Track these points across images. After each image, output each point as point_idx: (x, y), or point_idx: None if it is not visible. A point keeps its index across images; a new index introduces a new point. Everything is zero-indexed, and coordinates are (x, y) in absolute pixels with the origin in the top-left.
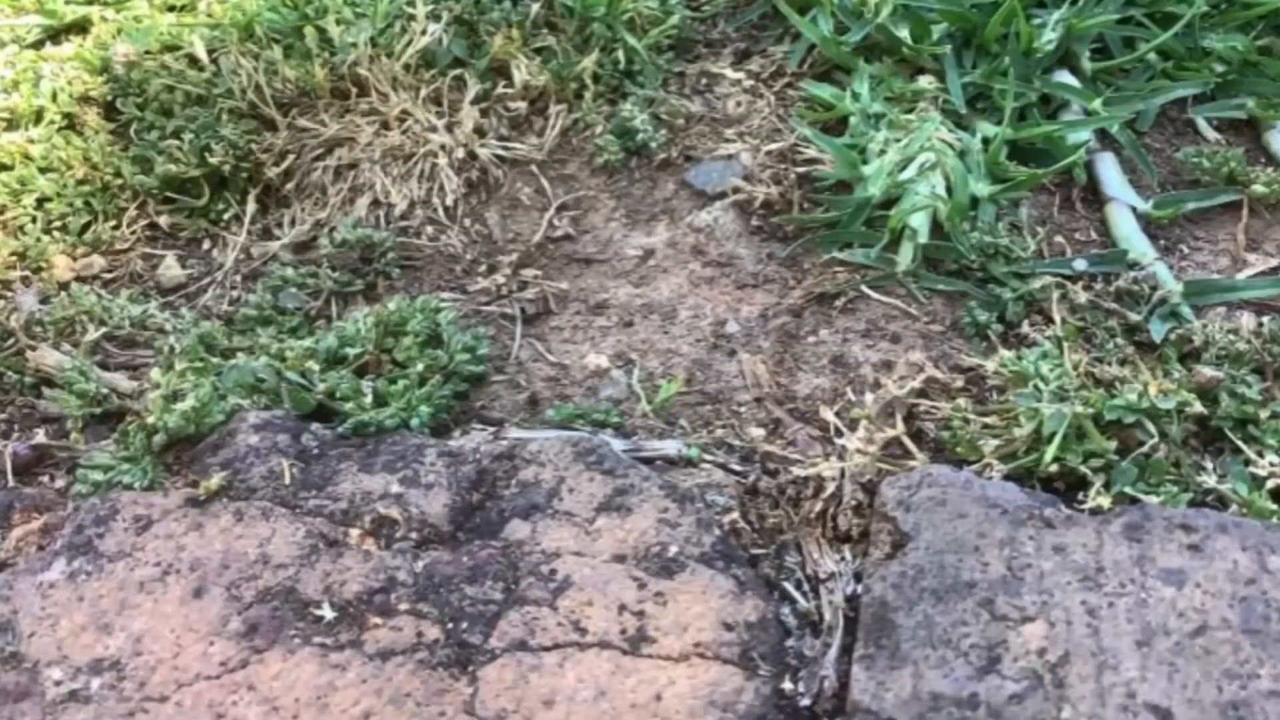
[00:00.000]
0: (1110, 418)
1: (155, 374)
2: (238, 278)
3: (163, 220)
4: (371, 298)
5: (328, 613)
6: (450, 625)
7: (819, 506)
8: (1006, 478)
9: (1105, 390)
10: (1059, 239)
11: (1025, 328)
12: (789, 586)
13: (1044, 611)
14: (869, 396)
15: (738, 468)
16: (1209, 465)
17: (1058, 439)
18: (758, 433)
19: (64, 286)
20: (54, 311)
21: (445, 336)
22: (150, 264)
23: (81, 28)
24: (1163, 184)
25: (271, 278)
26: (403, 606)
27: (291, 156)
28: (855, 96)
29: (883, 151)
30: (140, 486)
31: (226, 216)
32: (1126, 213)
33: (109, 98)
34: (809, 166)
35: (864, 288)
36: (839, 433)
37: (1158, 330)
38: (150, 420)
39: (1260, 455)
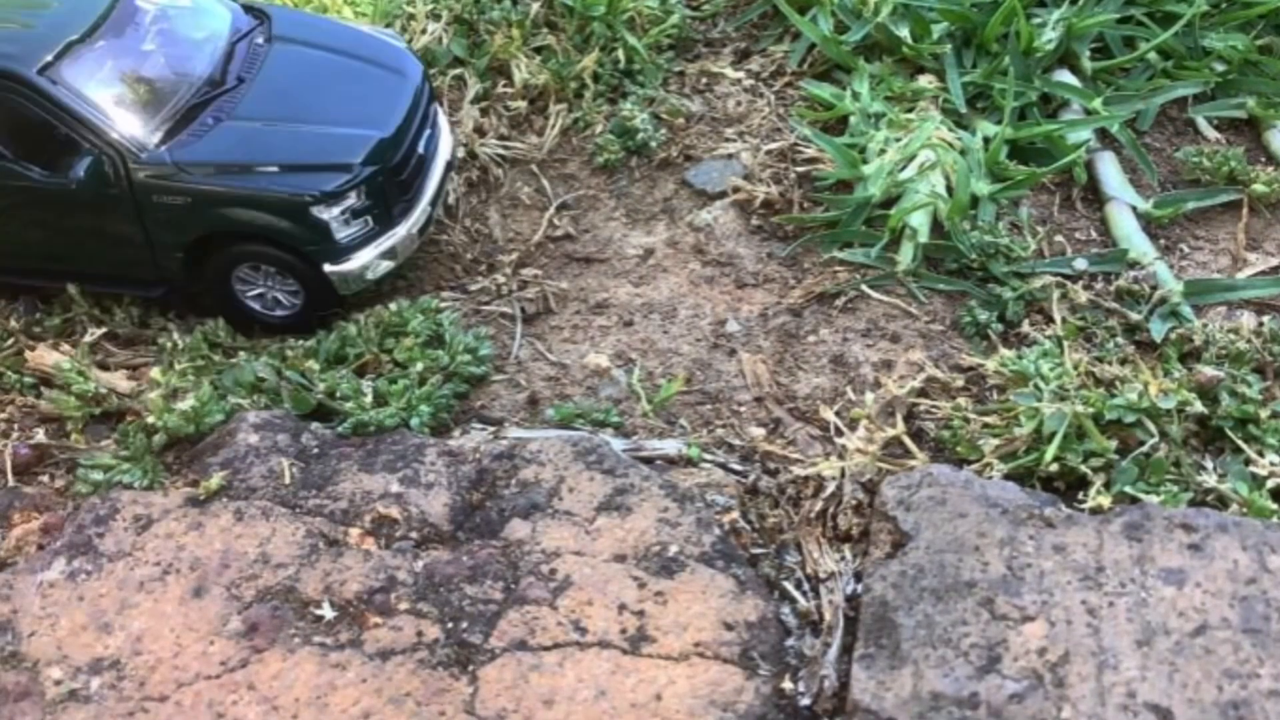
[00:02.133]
0: (1110, 417)
1: (155, 373)
2: None
3: None
4: (373, 296)
5: (328, 612)
6: (450, 625)
7: (819, 506)
8: (1007, 477)
9: (1105, 390)
10: (1059, 238)
11: (1025, 327)
12: (789, 586)
13: (1044, 611)
14: (869, 396)
15: (738, 467)
16: (1209, 465)
17: (1058, 438)
18: (758, 432)
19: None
20: (54, 311)
21: (447, 338)
22: None
23: None
24: (1163, 183)
25: None
26: (403, 606)
27: None
28: (855, 96)
29: (883, 151)
30: (140, 486)
31: None
32: (1127, 212)
33: None
34: (809, 166)
35: (864, 287)
36: (839, 432)
37: (1158, 330)
38: (150, 420)
39: (1260, 455)
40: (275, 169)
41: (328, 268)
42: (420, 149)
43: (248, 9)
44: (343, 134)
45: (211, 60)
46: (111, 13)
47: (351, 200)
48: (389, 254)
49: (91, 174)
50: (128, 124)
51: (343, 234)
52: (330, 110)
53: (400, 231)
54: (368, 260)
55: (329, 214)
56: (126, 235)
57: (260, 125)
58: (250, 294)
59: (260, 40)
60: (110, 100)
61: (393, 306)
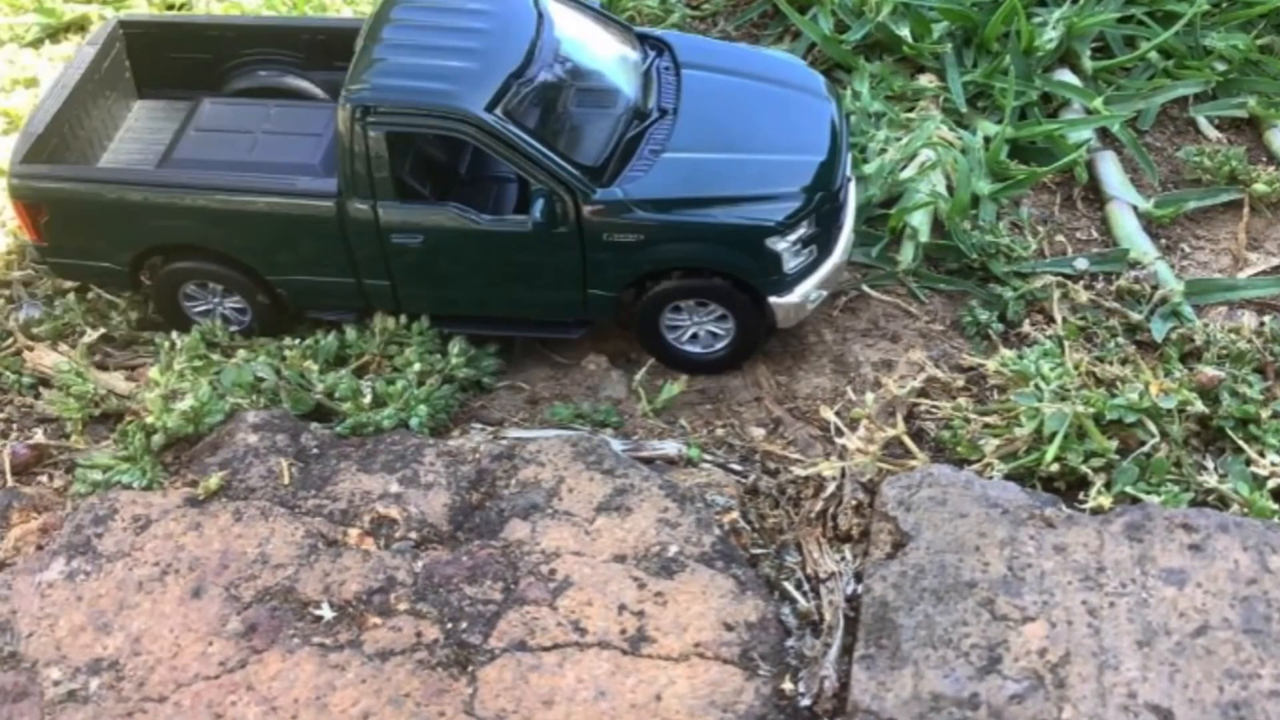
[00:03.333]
0: (1111, 417)
1: (154, 373)
2: None
3: None
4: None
5: (327, 613)
6: (450, 625)
7: (819, 506)
8: (1007, 477)
9: (1106, 390)
10: (1060, 238)
11: (1026, 327)
12: (789, 586)
13: (1045, 611)
14: (869, 396)
15: (738, 467)
16: (1210, 465)
17: (1059, 438)
18: (758, 432)
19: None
20: (54, 313)
21: (449, 346)
22: None
23: (80, 26)
24: (1164, 183)
25: None
26: (402, 606)
27: None
28: (855, 95)
29: (883, 150)
30: (139, 486)
31: None
32: (1128, 211)
33: None
34: None
35: (864, 287)
36: (839, 432)
37: (1159, 329)
38: (149, 420)
39: (1261, 455)
40: (727, 200)
41: (773, 300)
42: (847, 171)
43: (643, 38)
44: (786, 161)
45: (633, 90)
46: (539, 42)
47: (803, 229)
48: (824, 283)
49: (546, 215)
50: (577, 160)
51: (791, 264)
52: (762, 137)
53: (834, 259)
54: (807, 290)
55: (782, 244)
56: (564, 277)
57: (700, 156)
58: (675, 332)
59: (667, 67)
60: (556, 136)
61: (403, 319)
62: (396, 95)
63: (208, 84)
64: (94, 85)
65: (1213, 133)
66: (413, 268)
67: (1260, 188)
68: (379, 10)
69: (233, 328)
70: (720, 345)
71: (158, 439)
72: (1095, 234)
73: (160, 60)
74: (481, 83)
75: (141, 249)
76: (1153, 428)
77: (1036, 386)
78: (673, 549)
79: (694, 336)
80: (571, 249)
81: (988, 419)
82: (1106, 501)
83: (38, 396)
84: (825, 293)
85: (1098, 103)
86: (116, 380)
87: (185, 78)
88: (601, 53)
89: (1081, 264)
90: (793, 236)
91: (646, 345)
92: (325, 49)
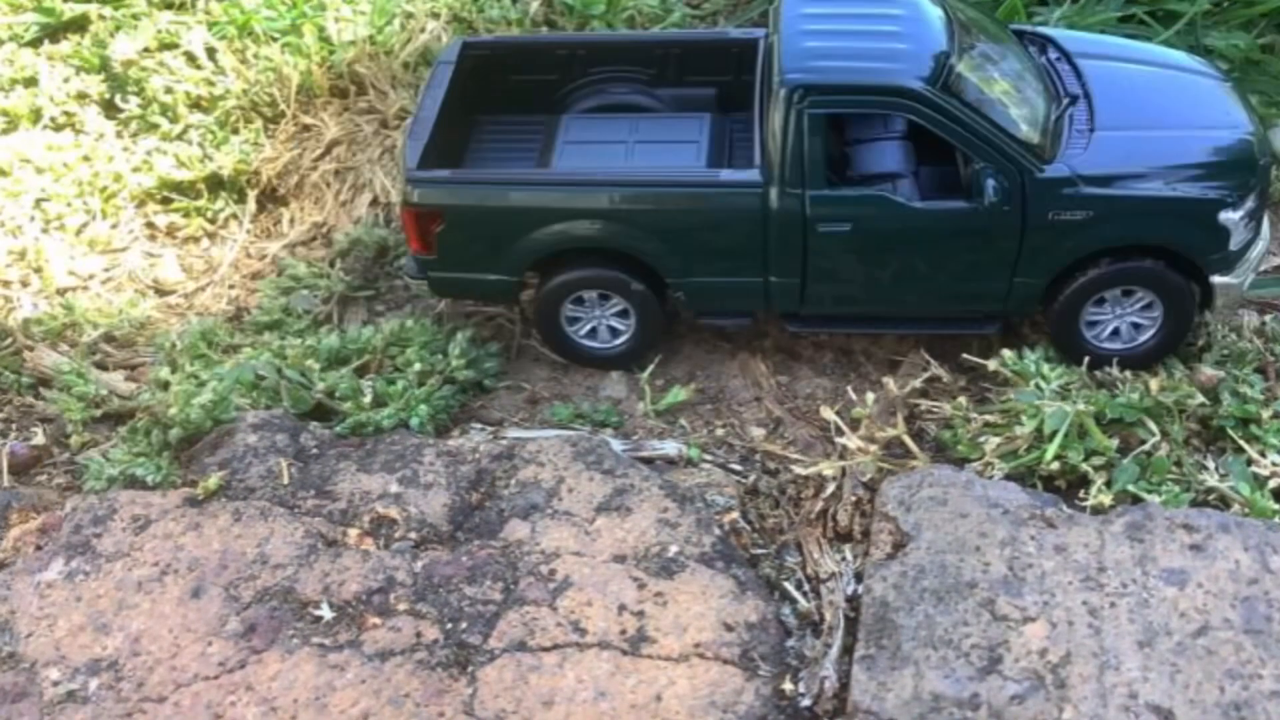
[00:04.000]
0: (1112, 416)
1: (163, 371)
2: (237, 277)
3: (161, 220)
4: (381, 299)
5: (326, 613)
6: (449, 625)
7: (819, 506)
8: (1008, 476)
9: (1107, 389)
10: None
11: (1027, 326)
12: (789, 586)
13: (1045, 612)
14: (870, 396)
15: (738, 467)
16: (1211, 464)
17: (1059, 437)
18: (758, 432)
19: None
20: (52, 313)
21: (449, 347)
22: (149, 263)
23: (80, 26)
24: None
25: (282, 278)
26: (401, 607)
27: (291, 156)
28: None
29: None
30: (153, 481)
31: (224, 215)
32: None
33: (107, 96)
34: None
35: None
36: (839, 432)
37: None
38: (172, 412)
39: (1262, 454)
40: (1177, 174)
41: (1216, 279)
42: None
43: (1019, 34)
44: (1221, 135)
45: (1038, 74)
46: (952, 28)
47: (1250, 203)
48: (1256, 263)
49: (998, 196)
50: (1023, 138)
51: (1236, 239)
52: (1184, 115)
53: (1265, 238)
54: (1245, 270)
55: (1233, 218)
56: (994, 265)
57: (1135, 134)
58: (1095, 329)
59: (1058, 58)
60: (998, 114)
61: (409, 323)
62: (839, 75)
63: (543, 104)
64: (453, 103)
65: None
66: (832, 261)
67: None
68: (778, 9)
69: (614, 343)
70: (1144, 339)
71: (175, 433)
72: None
73: (498, 81)
74: (917, 61)
75: (539, 255)
76: (1153, 427)
77: (1037, 385)
78: (673, 549)
79: (1115, 332)
80: (1010, 233)
81: (988, 418)
82: (1107, 500)
83: (38, 396)
84: (1253, 275)
85: None
86: (117, 380)
87: (521, 98)
88: (999, 41)
89: None
90: (1242, 210)
91: (1058, 341)
92: (678, 64)
